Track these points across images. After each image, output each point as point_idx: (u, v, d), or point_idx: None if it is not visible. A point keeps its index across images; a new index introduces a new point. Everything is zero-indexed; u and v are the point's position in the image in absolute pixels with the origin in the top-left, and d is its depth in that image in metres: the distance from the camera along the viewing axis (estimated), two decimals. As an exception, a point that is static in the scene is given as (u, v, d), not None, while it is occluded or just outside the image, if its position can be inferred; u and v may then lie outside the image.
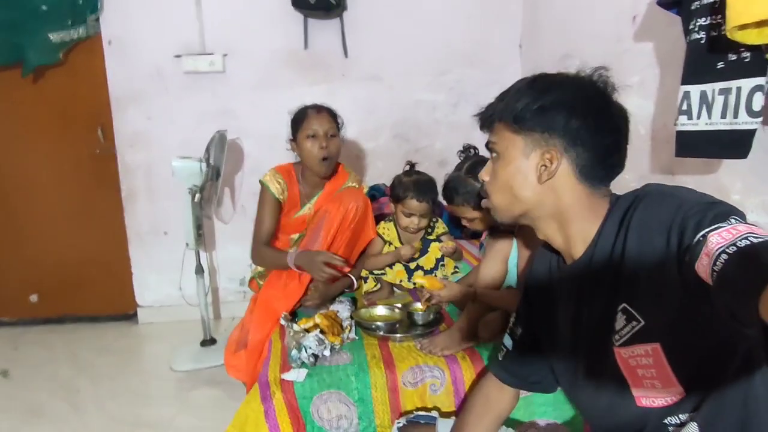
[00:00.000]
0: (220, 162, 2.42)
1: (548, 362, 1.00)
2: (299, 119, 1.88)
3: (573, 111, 0.80)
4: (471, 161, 1.47)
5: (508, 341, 1.06)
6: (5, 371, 2.38)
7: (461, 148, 1.57)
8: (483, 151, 1.23)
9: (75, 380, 2.29)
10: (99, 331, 2.84)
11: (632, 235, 0.75)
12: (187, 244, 2.46)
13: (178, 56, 2.65)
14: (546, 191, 0.83)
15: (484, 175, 0.92)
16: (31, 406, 2.09)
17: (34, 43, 2.56)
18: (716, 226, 0.63)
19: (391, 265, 1.82)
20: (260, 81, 2.71)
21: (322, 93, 2.75)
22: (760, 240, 0.57)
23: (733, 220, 0.63)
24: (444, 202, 1.61)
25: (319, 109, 1.88)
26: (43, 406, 2.09)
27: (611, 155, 0.83)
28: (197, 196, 2.37)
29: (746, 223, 0.63)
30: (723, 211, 0.65)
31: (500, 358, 1.07)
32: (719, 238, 0.60)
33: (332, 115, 1.90)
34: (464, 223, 1.53)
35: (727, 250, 0.58)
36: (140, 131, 2.74)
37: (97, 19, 2.61)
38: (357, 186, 1.99)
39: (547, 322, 0.96)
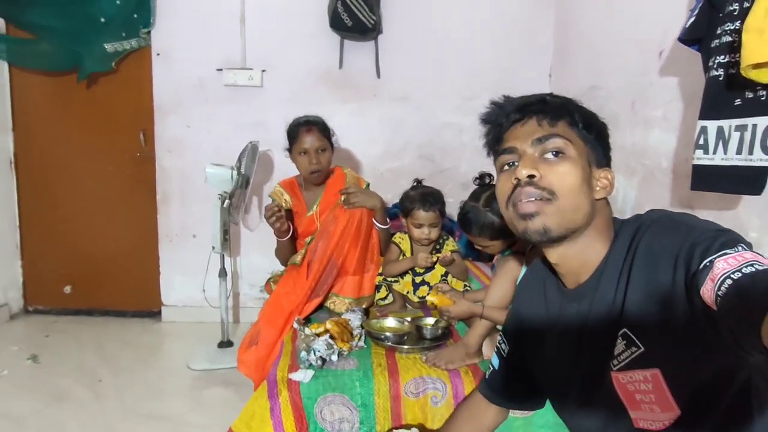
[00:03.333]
0: (250, 171, 2.53)
1: (536, 380, 1.00)
2: (293, 137, 2.02)
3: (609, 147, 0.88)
4: (488, 192, 1.48)
5: (495, 360, 1.06)
6: (36, 356, 2.51)
7: (476, 176, 1.58)
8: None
9: (99, 370, 2.39)
10: (124, 326, 2.96)
11: (639, 260, 0.75)
12: (213, 248, 2.56)
13: (219, 70, 2.80)
14: (596, 207, 0.82)
15: (532, 170, 0.79)
16: (57, 390, 2.20)
17: (91, 52, 2.77)
18: (723, 252, 0.63)
19: (404, 274, 1.87)
20: (294, 96, 2.83)
21: (353, 111, 2.86)
22: (766, 267, 0.58)
23: (740, 248, 0.64)
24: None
25: (309, 128, 1.99)
26: (67, 391, 2.19)
27: None
28: (226, 202, 2.47)
29: (753, 251, 0.64)
30: (731, 239, 0.66)
31: (487, 377, 1.07)
32: (725, 264, 0.61)
33: (322, 130, 2.02)
34: (479, 248, 1.57)
35: (732, 276, 0.58)
36: (179, 138, 2.89)
37: (149, 33, 2.80)
38: (363, 185, 2.08)
39: (538, 342, 0.95)
